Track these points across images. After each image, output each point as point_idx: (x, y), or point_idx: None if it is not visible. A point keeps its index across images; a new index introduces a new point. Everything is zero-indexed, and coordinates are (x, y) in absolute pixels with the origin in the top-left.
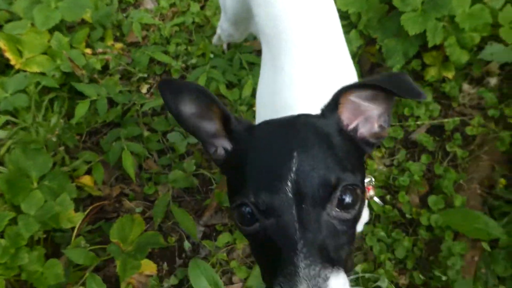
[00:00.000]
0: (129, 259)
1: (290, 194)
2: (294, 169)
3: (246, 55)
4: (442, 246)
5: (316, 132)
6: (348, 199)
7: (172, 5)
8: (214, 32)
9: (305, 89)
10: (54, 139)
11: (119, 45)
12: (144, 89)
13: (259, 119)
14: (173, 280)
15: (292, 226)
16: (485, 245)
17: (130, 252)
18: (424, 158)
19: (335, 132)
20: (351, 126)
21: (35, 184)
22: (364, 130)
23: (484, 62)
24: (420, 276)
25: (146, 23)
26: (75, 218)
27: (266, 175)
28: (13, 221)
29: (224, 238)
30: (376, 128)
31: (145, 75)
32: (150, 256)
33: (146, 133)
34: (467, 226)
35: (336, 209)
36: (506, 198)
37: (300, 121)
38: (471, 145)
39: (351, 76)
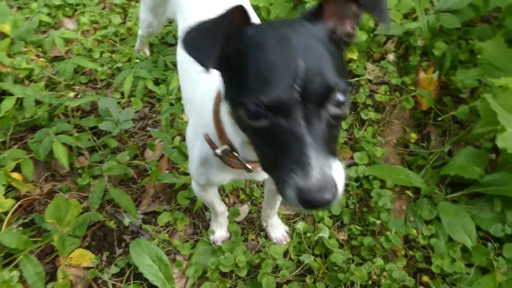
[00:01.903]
0: (68, 237)
1: (297, 95)
2: (302, 72)
3: (169, 56)
4: (372, 192)
5: (315, 38)
6: (342, 98)
7: (93, 21)
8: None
9: None
10: None
11: (41, 59)
12: (71, 95)
13: (182, 80)
14: (113, 269)
15: (300, 123)
16: (409, 193)
17: (68, 232)
18: (344, 124)
19: (326, 38)
20: (333, 28)
21: None
22: (340, 30)
23: (381, 43)
24: (357, 227)
25: (68, 38)
26: (5, 204)
27: (276, 76)
28: None
29: (164, 217)
30: (349, 28)
31: (71, 83)
32: (87, 249)
33: (76, 134)
34: (391, 177)
35: (333, 107)
36: (420, 154)
37: (299, 27)
38: (383, 114)
39: None
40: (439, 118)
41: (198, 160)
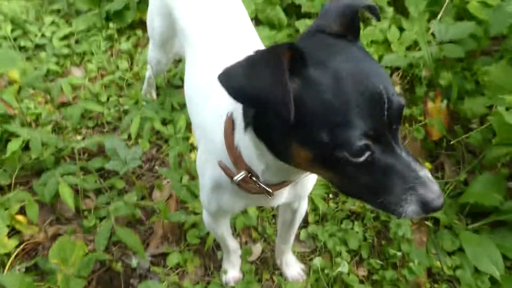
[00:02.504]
0: (72, 277)
1: (387, 119)
2: (384, 96)
3: (176, 97)
4: (390, 223)
5: (367, 56)
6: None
7: (101, 68)
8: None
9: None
10: None
11: (49, 105)
12: (77, 139)
13: (190, 107)
14: None
15: (393, 144)
16: (429, 223)
17: (72, 273)
18: None
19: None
20: None
21: None
22: None
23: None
24: (377, 261)
25: (75, 84)
26: (8, 244)
27: (370, 107)
28: None
29: (173, 258)
30: None
31: (78, 127)
32: None
33: (82, 177)
34: None
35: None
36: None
37: (351, 48)
38: None
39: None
40: (452, 145)
41: (210, 186)
